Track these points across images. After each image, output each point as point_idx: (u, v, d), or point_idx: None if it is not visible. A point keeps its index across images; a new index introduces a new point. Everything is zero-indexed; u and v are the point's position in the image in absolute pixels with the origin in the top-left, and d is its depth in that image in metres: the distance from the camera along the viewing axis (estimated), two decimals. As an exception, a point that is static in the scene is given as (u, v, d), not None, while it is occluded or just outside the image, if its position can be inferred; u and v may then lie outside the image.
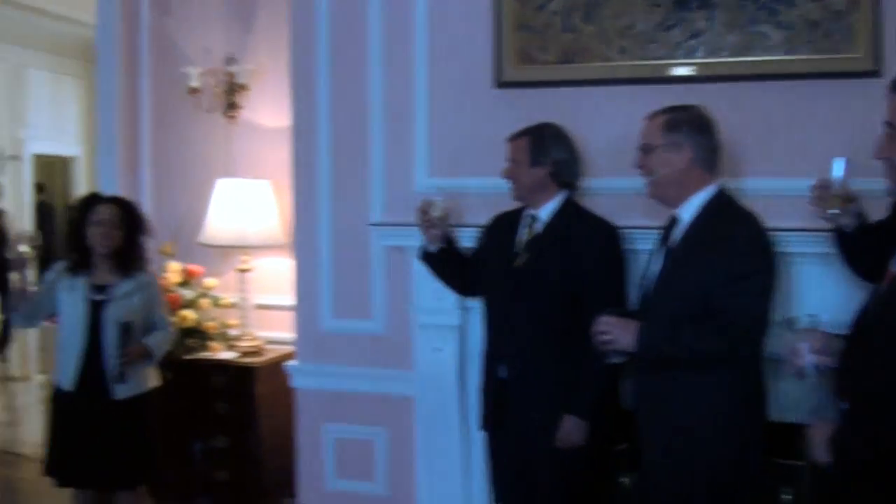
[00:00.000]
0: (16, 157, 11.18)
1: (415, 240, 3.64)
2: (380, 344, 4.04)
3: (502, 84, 3.75)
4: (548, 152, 3.20)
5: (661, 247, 2.88)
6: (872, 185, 2.60)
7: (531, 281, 3.17)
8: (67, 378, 3.66)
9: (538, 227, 3.24)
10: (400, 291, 3.96)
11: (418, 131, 3.90)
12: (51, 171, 12.87)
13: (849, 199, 2.68)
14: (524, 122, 3.32)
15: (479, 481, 3.76)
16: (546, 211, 3.24)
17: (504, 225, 3.36)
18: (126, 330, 3.61)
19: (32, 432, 6.55)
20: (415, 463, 3.96)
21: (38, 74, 11.41)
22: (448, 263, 3.45)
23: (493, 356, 3.31)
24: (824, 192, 2.70)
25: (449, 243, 3.41)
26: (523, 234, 3.27)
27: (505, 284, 3.23)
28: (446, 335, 3.79)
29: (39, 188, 12.11)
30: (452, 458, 3.82)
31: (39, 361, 8.67)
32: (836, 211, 2.70)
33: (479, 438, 3.58)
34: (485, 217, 3.49)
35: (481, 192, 3.68)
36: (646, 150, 2.84)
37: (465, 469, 3.82)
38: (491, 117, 3.74)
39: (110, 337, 3.64)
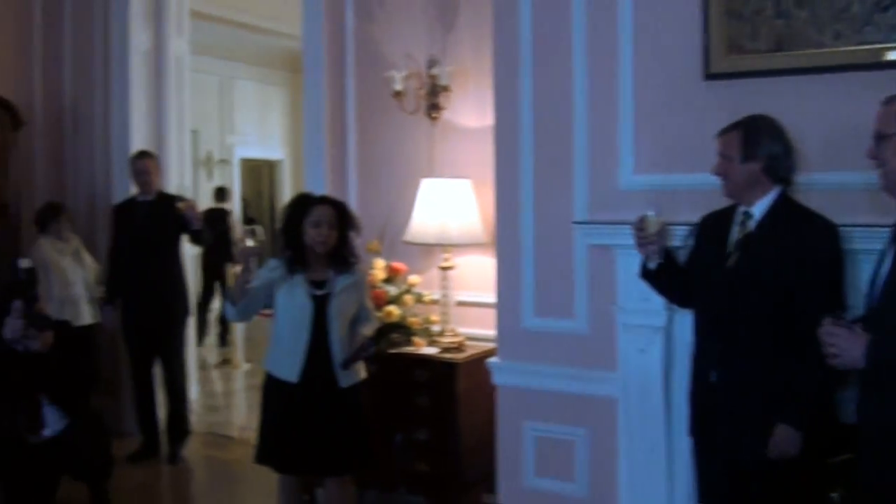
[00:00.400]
0: (225, 162, 11.85)
1: (619, 238, 3.61)
2: (582, 343, 4.00)
3: (710, 76, 3.63)
4: (761, 146, 3.04)
5: (891, 246, 2.67)
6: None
7: (744, 281, 3.03)
8: (293, 370, 3.81)
9: (751, 225, 3.10)
10: (603, 290, 3.91)
11: (623, 127, 3.83)
12: (257, 174, 13.54)
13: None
14: (734, 116, 3.17)
15: (683, 487, 3.66)
16: (759, 208, 3.09)
17: (715, 224, 3.24)
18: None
19: (238, 417, 6.92)
20: (616, 466, 3.91)
21: (245, 85, 12.05)
22: (668, 277, 3.32)
23: (704, 359, 3.18)
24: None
25: (667, 258, 3.31)
26: (735, 233, 3.12)
27: (716, 285, 3.11)
28: (652, 336, 3.72)
29: (219, 194, 12.28)
30: (656, 463, 3.74)
31: (245, 350, 9.14)
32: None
33: (684, 443, 3.49)
34: (694, 215, 3.38)
35: (690, 189, 3.58)
36: (879, 138, 2.59)
37: (668, 474, 3.73)
38: (699, 111, 3.64)
39: (336, 330, 3.79)
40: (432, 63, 4.98)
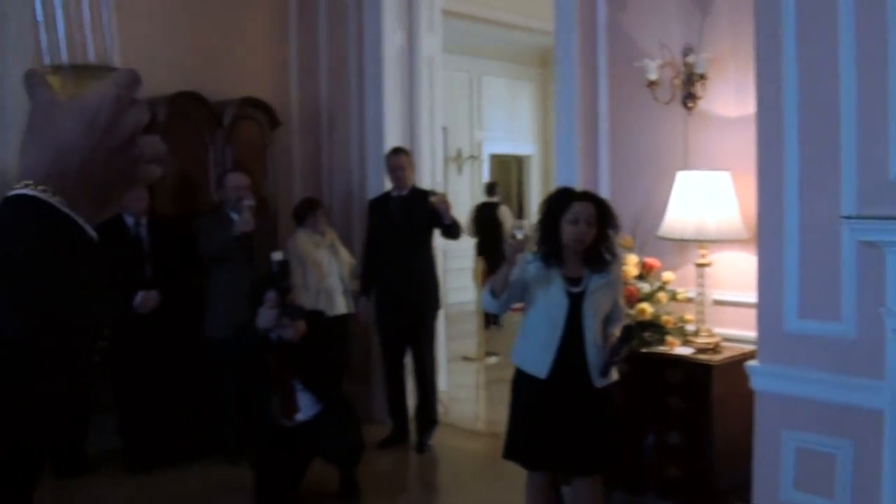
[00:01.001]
0: (475, 158, 12.03)
1: (891, 234, 3.31)
2: (849, 349, 3.68)
3: None
4: None
5: None
6: None
7: None
8: (543, 367, 3.75)
9: None
10: (873, 292, 3.56)
11: (894, 113, 3.47)
12: (506, 169, 13.67)
13: None
14: None
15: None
16: None
17: None
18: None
19: (485, 410, 6.96)
20: (881, 485, 3.55)
21: (494, 81, 12.17)
22: None
23: None
24: None
25: None
26: None
27: None
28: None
29: (490, 188, 12.81)
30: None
31: (489, 344, 9.23)
32: None
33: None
34: None
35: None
36: None
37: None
38: None
39: (591, 328, 3.71)
40: (687, 51, 4.77)
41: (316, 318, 4.93)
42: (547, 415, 3.75)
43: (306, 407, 4.78)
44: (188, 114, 5.85)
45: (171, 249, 5.47)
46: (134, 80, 0.86)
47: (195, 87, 5.93)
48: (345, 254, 6.09)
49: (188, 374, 5.58)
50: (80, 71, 0.84)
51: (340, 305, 5.96)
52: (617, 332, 3.77)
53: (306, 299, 5.73)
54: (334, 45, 6.75)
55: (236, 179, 5.64)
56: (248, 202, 5.41)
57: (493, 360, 8.77)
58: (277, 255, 4.87)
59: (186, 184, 5.88)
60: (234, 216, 5.47)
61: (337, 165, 6.79)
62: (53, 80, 0.84)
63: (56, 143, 0.80)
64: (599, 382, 3.72)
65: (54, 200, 0.77)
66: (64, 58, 0.84)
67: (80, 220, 0.79)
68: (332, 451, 4.71)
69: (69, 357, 0.76)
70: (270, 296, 4.64)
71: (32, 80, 0.84)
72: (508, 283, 3.75)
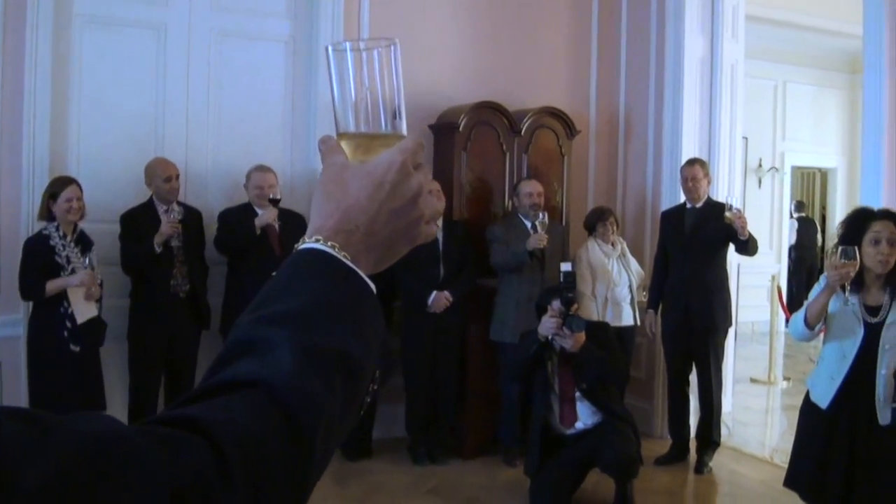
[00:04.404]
0: (776, 169, 11.50)
1: None
2: None
3: None
4: None
5: None
6: None
7: None
8: (825, 396, 3.58)
9: None
10: None
11: None
12: (809, 182, 12.98)
13: None
14: None
15: None
16: None
17: None
18: None
19: (770, 436, 6.65)
20: None
21: (799, 88, 11.59)
22: None
23: None
24: None
25: None
26: None
27: None
28: None
29: (799, 206, 12.37)
30: None
31: (785, 367, 8.80)
32: None
33: None
34: None
35: None
36: None
37: None
38: None
39: (886, 364, 3.46)
40: None
41: (600, 329, 4.93)
42: (829, 448, 3.54)
43: (585, 416, 4.81)
44: (488, 122, 6.06)
45: (464, 252, 5.68)
46: (418, 147, 0.92)
47: (497, 97, 6.12)
48: (635, 264, 6.05)
49: (476, 374, 5.78)
50: (371, 139, 0.93)
51: (628, 316, 5.93)
52: None
53: (594, 308, 5.75)
54: (634, 53, 6.73)
55: (530, 186, 5.77)
56: (543, 218, 5.49)
57: (784, 384, 8.35)
58: (566, 266, 4.93)
59: (483, 189, 6.09)
60: (527, 223, 5.60)
61: (631, 175, 6.76)
62: (346, 146, 0.93)
63: (345, 204, 0.88)
64: (885, 419, 3.45)
65: (340, 255, 0.85)
66: (352, 125, 0.93)
67: (362, 273, 0.86)
68: (608, 461, 4.70)
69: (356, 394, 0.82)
70: (555, 305, 4.70)
71: (327, 145, 0.93)
72: (824, 311, 3.56)
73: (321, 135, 0.95)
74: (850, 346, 3.52)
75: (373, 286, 0.86)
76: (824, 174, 12.72)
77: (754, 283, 9.70)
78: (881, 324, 3.50)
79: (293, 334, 0.77)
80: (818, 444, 3.62)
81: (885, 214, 3.61)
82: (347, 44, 0.93)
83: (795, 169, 12.12)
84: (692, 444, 5.85)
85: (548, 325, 4.68)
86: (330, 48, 0.93)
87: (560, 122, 6.32)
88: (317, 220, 0.88)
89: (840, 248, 3.49)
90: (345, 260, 0.85)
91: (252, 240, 5.26)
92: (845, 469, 3.51)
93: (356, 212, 0.87)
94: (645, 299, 5.95)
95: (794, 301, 9.93)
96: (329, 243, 0.85)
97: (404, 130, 0.94)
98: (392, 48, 0.94)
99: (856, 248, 3.48)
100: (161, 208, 5.25)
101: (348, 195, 0.88)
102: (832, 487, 3.55)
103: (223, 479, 0.67)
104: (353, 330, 0.81)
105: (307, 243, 0.86)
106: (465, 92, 6.14)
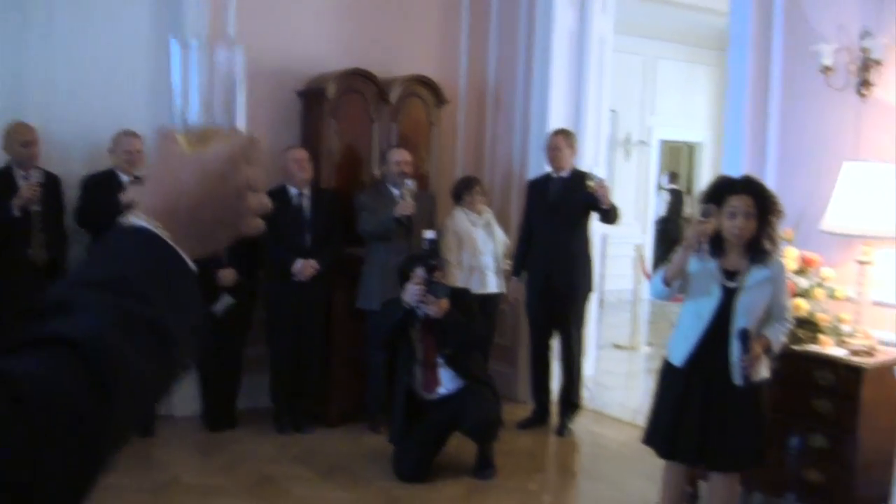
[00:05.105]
0: (644, 143, 11.80)
1: None
2: None
3: None
4: None
5: None
6: None
7: None
8: (681, 354, 3.71)
9: None
10: None
11: None
12: (676, 156, 13.36)
13: None
14: None
15: None
16: None
17: None
18: (745, 337, 3.55)
19: (631, 399, 6.86)
20: None
21: (668, 64, 11.88)
22: None
23: None
24: None
25: None
26: None
27: None
28: None
29: (672, 178, 12.75)
30: None
31: (649, 334, 9.08)
32: None
33: None
34: None
35: None
36: None
37: None
38: None
39: (739, 326, 3.60)
40: (865, 34, 4.52)
41: (462, 296, 5.00)
42: (683, 406, 3.69)
43: (447, 382, 4.87)
44: (357, 90, 6.02)
45: (332, 220, 5.65)
46: (251, 143, 0.97)
47: (367, 64, 6.08)
48: (500, 233, 6.12)
49: (341, 342, 5.78)
50: (207, 131, 0.97)
51: (492, 284, 6.00)
52: (774, 334, 3.65)
53: (459, 277, 5.80)
54: (505, 24, 6.77)
55: (399, 154, 5.76)
56: (410, 185, 5.51)
57: (647, 350, 8.63)
58: (430, 234, 4.97)
59: (351, 157, 6.06)
60: (395, 192, 5.60)
61: (500, 145, 6.83)
62: (183, 139, 0.97)
63: (172, 188, 0.92)
64: (740, 381, 3.61)
65: (162, 234, 0.89)
66: (194, 121, 0.97)
67: (182, 252, 0.90)
68: (469, 425, 4.78)
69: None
70: (418, 272, 4.74)
71: (163, 133, 0.97)
72: (683, 269, 3.68)
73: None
74: (707, 307, 3.66)
75: (193, 266, 0.90)
76: (692, 148, 13.11)
77: (620, 252, 9.95)
78: (738, 288, 3.64)
79: (106, 298, 0.82)
80: (673, 402, 3.75)
81: (743, 187, 3.73)
82: (193, 41, 0.97)
83: (664, 143, 12.45)
84: (554, 408, 5.99)
85: (411, 293, 4.72)
86: (174, 42, 0.96)
87: (429, 90, 6.33)
88: (144, 199, 0.92)
89: (700, 207, 3.63)
90: (166, 239, 0.89)
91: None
92: (699, 425, 3.65)
93: (182, 196, 0.91)
94: (510, 267, 6.04)
95: (656, 269, 10.21)
96: (154, 222, 0.89)
97: (240, 125, 0.99)
98: (235, 48, 0.98)
99: (714, 206, 3.61)
100: (19, 174, 5.07)
101: (177, 179, 0.92)
102: (686, 443, 3.70)
103: (18, 425, 0.70)
104: (167, 303, 0.85)
105: (133, 220, 0.90)
106: (334, 58, 6.08)
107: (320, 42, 6.18)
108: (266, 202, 0.98)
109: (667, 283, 3.72)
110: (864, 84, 4.54)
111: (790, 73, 4.93)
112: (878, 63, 4.46)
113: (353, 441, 5.51)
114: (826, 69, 4.61)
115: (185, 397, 5.72)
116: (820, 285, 4.45)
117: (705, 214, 3.57)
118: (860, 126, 4.59)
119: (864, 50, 4.51)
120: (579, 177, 5.70)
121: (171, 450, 5.25)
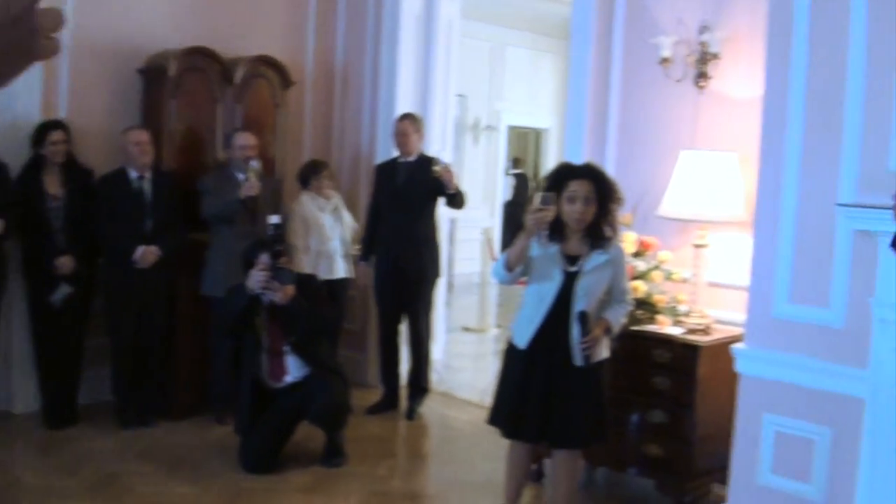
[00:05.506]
0: (492, 128, 11.97)
1: (886, 224, 3.26)
2: (835, 337, 3.67)
3: None
4: None
5: None
6: None
7: None
8: (524, 337, 3.76)
9: None
10: (864, 281, 3.55)
11: (900, 102, 3.44)
12: (524, 141, 13.61)
13: None
14: None
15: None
16: None
17: None
18: (584, 320, 3.63)
19: (480, 380, 6.96)
20: (857, 472, 3.56)
21: (516, 51, 12.07)
22: None
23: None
24: None
25: None
26: None
27: None
28: (910, 335, 3.34)
29: (516, 163, 12.95)
30: (903, 475, 3.38)
31: (497, 316, 9.23)
32: None
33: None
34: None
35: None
36: None
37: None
38: None
39: (579, 308, 3.67)
40: (703, 29, 4.70)
41: (308, 282, 4.93)
42: (526, 386, 3.75)
43: (295, 370, 4.81)
44: (200, 69, 5.82)
45: (174, 205, 5.47)
46: None
47: (210, 42, 5.89)
48: (348, 218, 6.08)
49: (185, 331, 5.61)
50: None
51: (340, 269, 5.95)
52: (614, 315, 3.75)
53: (306, 262, 5.73)
54: (352, 5, 6.71)
55: (244, 139, 5.61)
56: (255, 165, 5.39)
57: (496, 331, 8.77)
58: (274, 218, 4.86)
59: (194, 140, 5.87)
60: (240, 176, 5.45)
61: (348, 129, 6.77)
62: None
63: None
64: (580, 362, 3.70)
65: None
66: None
67: None
68: (316, 412, 4.73)
69: None
70: (262, 258, 4.65)
71: None
72: (524, 255, 3.72)
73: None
74: (549, 291, 3.72)
75: None
76: (539, 134, 13.39)
77: (469, 236, 10.07)
78: (578, 272, 3.72)
79: None
80: (516, 383, 3.81)
81: (584, 173, 3.79)
82: None
83: (512, 128, 12.67)
84: (404, 392, 6.01)
85: (256, 279, 4.63)
86: None
87: (275, 71, 6.19)
88: None
89: (539, 195, 3.67)
90: None
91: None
92: (541, 405, 3.72)
93: None
94: (358, 252, 6.01)
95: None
96: None
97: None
98: None
99: (554, 194, 3.67)
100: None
101: None
102: (528, 422, 3.76)
103: None
104: None
105: None
106: (177, 36, 5.86)
107: (164, 18, 5.94)
108: (60, 17, 0.91)
109: (508, 268, 3.77)
110: (702, 76, 4.71)
111: (631, 63, 5.07)
112: (715, 56, 4.65)
113: (199, 433, 5.35)
114: (665, 61, 4.76)
115: (23, 394, 5.44)
116: (657, 268, 4.61)
117: (544, 202, 3.62)
118: (697, 116, 4.78)
119: (702, 44, 4.68)
120: (426, 161, 5.72)
121: (9, 450, 4.98)
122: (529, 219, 3.63)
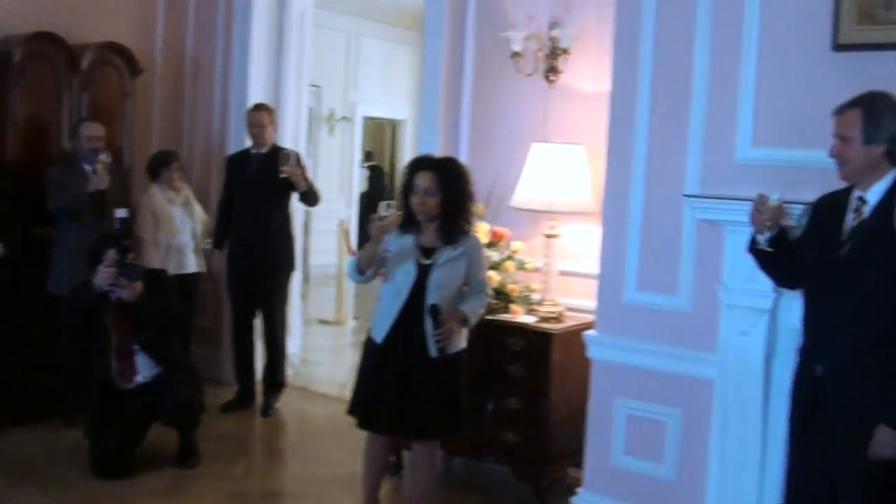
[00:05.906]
0: (348, 119, 11.92)
1: (730, 214, 3.47)
2: (683, 322, 3.85)
3: (839, 47, 3.39)
4: (883, 127, 2.82)
5: None
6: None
7: (856, 273, 2.82)
8: (381, 331, 3.77)
9: (865, 211, 2.87)
10: (709, 268, 3.74)
11: (743, 97, 3.63)
12: (380, 132, 13.61)
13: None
14: (863, 90, 2.92)
15: (774, 479, 3.47)
16: (875, 193, 2.86)
17: (829, 209, 3.01)
18: (436, 312, 3.66)
19: (338, 373, 6.94)
20: (707, 451, 3.75)
21: (371, 43, 12.05)
22: (777, 256, 3.14)
23: (811, 352, 2.98)
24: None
25: (779, 235, 3.11)
26: (850, 220, 2.90)
27: (828, 275, 2.90)
28: (756, 319, 3.54)
29: (367, 156, 12.95)
30: (749, 452, 3.58)
31: (355, 308, 9.20)
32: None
33: (780, 433, 3.31)
34: (812, 194, 3.16)
35: (810, 166, 3.35)
36: None
37: (761, 465, 3.56)
38: (825, 84, 3.40)
39: (432, 301, 3.70)
40: (553, 24, 4.81)
41: (158, 277, 4.80)
42: (382, 379, 3.77)
43: (145, 369, 4.68)
44: (46, 55, 5.55)
45: (17, 198, 5.21)
46: None
47: (55, 27, 5.62)
48: (199, 211, 5.94)
49: (31, 332, 5.35)
50: None
51: (191, 264, 5.81)
52: (471, 307, 3.80)
53: (156, 257, 5.57)
54: (203, -6, 6.54)
55: (91, 129, 5.40)
56: (105, 158, 5.20)
57: (353, 324, 8.75)
58: (121, 212, 4.71)
59: (38, 129, 5.59)
60: (88, 168, 5.24)
61: (198, 119, 6.61)
62: None
63: None
64: (435, 352, 3.74)
65: None
66: None
67: None
68: (168, 412, 4.62)
69: None
70: (109, 254, 4.50)
71: None
72: (376, 259, 3.76)
73: None
74: (404, 284, 3.74)
75: None
76: (395, 125, 13.42)
77: (325, 228, 10.00)
78: (432, 265, 3.75)
79: None
80: (373, 374, 3.82)
81: (428, 165, 3.82)
82: None
83: (368, 119, 12.64)
84: (259, 388, 5.93)
85: (102, 275, 4.47)
86: None
87: (123, 59, 5.98)
88: None
89: (382, 203, 3.75)
90: None
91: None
92: (395, 396, 3.74)
93: None
94: (209, 246, 5.88)
95: (362, 245, 10.39)
96: None
97: None
98: None
99: (394, 202, 3.74)
100: None
101: None
102: (384, 412, 3.77)
103: None
104: None
105: None
106: (21, 20, 5.56)
107: (7, 1, 5.63)
108: None
109: (360, 270, 3.81)
110: (552, 70, 4.82)
111: (482, 57, 5.15)
112: (565, 52, 4.76)
113: (48, 439, 5.12)
114: (516, 55, 4.85)
115: None
116: (510, 258, 4.70)
117: (388, 209, 3.68)
118: (548, 109, 4.89)
119: (552, 39, 4.79)
120: (278, 153, 5.63)
121: None
122: (373, 228, 3.69)
